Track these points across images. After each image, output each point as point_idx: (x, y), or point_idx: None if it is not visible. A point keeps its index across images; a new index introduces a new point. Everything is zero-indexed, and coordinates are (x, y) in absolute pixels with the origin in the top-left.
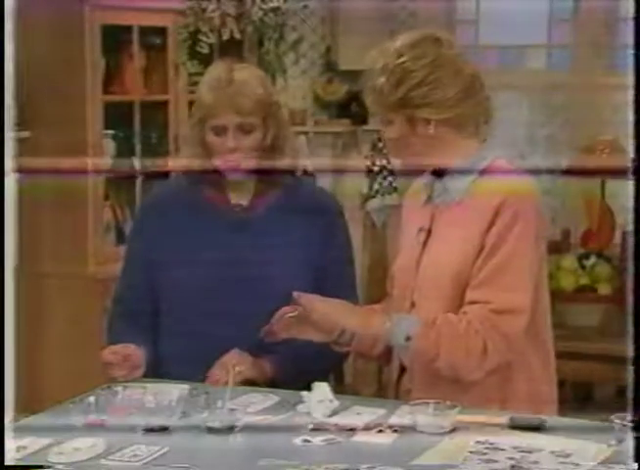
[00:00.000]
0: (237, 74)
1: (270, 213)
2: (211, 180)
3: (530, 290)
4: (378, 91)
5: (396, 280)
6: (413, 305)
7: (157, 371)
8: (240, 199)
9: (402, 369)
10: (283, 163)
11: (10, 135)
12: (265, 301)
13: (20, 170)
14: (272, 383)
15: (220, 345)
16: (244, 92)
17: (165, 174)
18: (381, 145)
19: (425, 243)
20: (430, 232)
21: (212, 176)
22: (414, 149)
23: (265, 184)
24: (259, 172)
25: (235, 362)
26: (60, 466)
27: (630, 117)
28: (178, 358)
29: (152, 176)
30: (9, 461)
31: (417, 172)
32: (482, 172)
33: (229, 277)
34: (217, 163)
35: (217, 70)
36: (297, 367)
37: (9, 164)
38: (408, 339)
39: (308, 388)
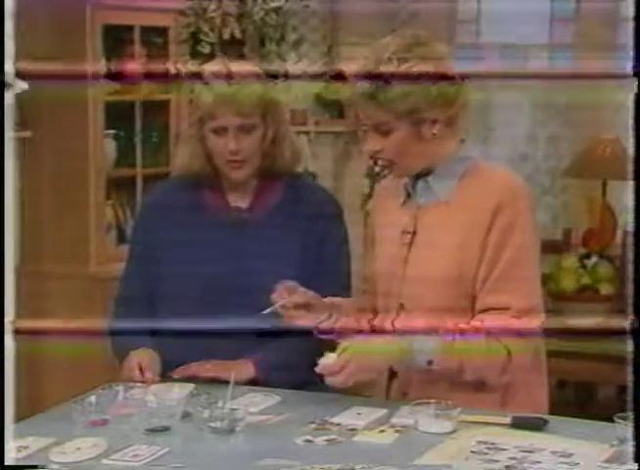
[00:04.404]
0: (234, 73)
1: (269, 216)
2: (210, 181)
3: (539, 286)
4: (388, 101)
5: (380, 283)
6: (402, 307)
7: None
8: (239, 201)
9: (393, 371)
10: (284, 161)
11: (10, 135)
12: (263, 303)
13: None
14: (255, 383)
15: (217, 346)
16: (243, 92)
17: (167, 174)
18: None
19: (410, 244)
20: (414, 233)
21: (211, 177)
22: (411, 153)
23: (265, 185)
24: (260, 173)
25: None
26: (56, 466)
27: (630, 116)
28: (174, 358)
29: (153, 176)
30: (9, 461)
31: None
32: (468, 172)
33: (228, 280)
34: (219, 163)
35: (214, 69)
36: (281, 367)
37: (9, 164)
38: (430, 363)
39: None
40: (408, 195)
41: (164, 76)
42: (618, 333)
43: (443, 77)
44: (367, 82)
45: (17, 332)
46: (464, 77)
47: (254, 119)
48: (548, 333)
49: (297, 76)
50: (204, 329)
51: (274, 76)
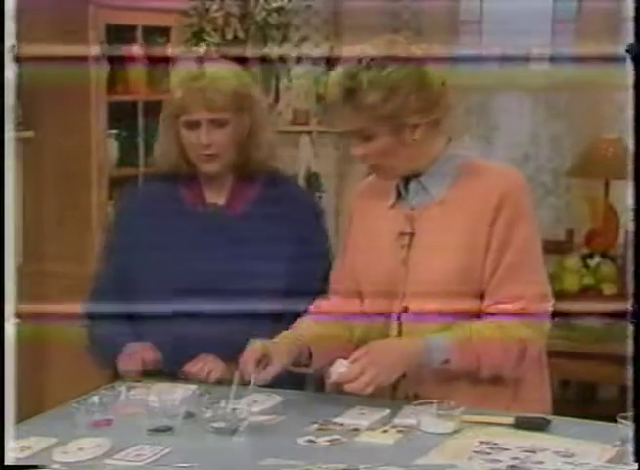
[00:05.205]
0: (209, 68)
1: (246, 213)
2: (186, 177)
3: (546, 275)
4: (366, 107)
5: (374, 287)
6: (406, 310)
7: None
8: (216, 197)
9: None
10: (260, 156)
11: (11, 135)
12: (241, 301)
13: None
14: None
15: (196, 343)
16: (215, 86)
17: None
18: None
19: (409, 246)
20: (412, 235)
21: (186, 172)
22: (396, 157)
23: (242, 182)
24: (235, 168)
25: (210, 365)
26: (57, 466)
27: (631, 115)
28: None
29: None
30: (9, 461)
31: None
32: (462, 169)
33: (204, 277)
34: (192, 156)
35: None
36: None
37: (10, 164)
38: (446, 362)
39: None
40: (398, 196)
41: (165, 60)
42: (619, 316)
43: (438, 60)
44: (347, 86)
45: (18, 316)
46: (465, 60)
47: (227, 114)
48: (557, 316)
49: (297, 58)
50: (192, 312)
51: (265, 60)
